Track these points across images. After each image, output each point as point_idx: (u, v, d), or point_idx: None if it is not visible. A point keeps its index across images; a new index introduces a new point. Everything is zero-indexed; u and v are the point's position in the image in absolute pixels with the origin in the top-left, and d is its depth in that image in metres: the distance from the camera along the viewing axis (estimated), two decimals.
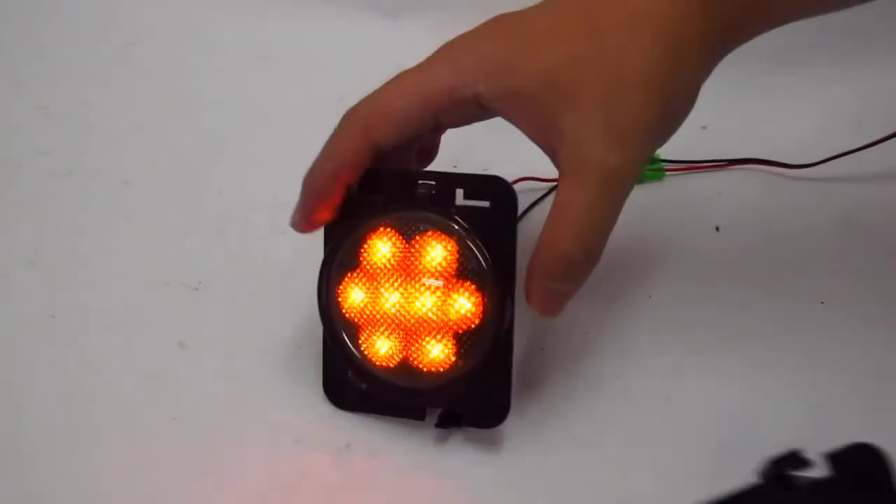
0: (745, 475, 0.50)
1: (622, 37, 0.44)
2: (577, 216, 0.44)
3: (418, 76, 0.47)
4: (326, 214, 0.50)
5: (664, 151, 0.71)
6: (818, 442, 0.51)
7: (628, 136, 0.44)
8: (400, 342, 0.49)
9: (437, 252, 0.48)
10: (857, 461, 0.40)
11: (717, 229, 0.66)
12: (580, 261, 0.45)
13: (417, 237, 0.48)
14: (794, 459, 0.39)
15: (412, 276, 0.48)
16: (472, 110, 0.47)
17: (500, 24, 0.48)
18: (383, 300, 0.49)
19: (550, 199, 0.67)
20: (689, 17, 0.45)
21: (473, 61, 0.46)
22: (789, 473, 0.40)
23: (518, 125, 0.47)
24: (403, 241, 0.48)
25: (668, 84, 0.45)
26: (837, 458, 0.40)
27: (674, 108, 0.46)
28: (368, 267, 0.49)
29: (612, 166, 0.44)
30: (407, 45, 0.83)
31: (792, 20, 0.50)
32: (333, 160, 0.49)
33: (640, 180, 0.70)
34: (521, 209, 0.49)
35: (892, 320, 0.59)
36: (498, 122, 0.76)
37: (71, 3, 0.86)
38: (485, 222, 0.48)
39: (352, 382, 0.51)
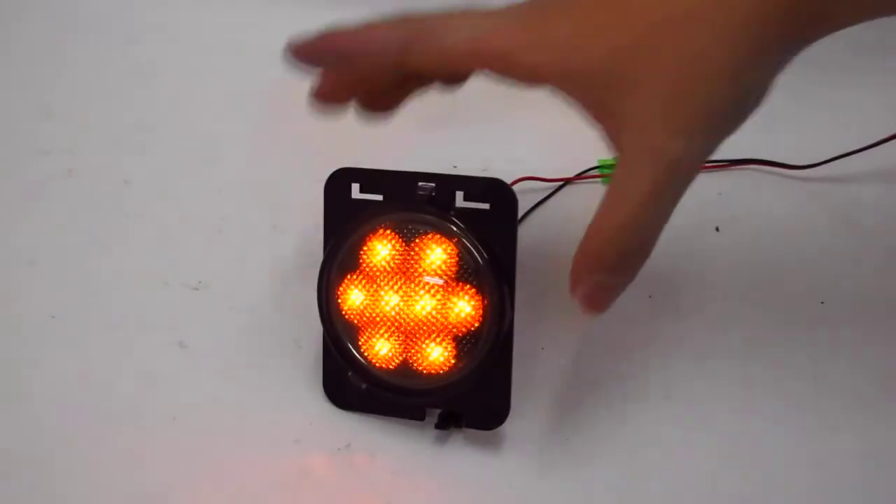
0: (745, 474, 0.50)
1: (695, 26, 0.42)
2: (634, 203, 0.42)
3: (484, 25, 0.44)
4: (308, 60, 0.47)
5: None
6: (818, 438, 0.52)
7: (694, 128, 0.42)
8: (400, 344, 0.49)
9: (437, 254, 0.48)
10: None
11: (717, 229, 0.66)
12: (633, 249, 0.43)
13: (417, 239, 0.48)
14: None
15: (412, 278, 0.48)
16: (522, 79, 0.44)
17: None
18: (383, 302, 0.49)
19: (551, 201, 0.68)
20: (769, 6, 0.42)
21: (538, 33, 0.43)
22: None
23: (573, 102, 0.44)
24: (403, 244, 0.48)
25: (741, 78, 0.42)
26: None
27: (744, 102, 0.43)
28: (368, 269, 0.49)
29: (675, 156, 0.42)
30: None
31: (880, 15, 0.45)
32: (359, 40, 0.46)
33: None
34: (521, 210, 0.49)
35: (892, 320, 0.59)
36: (498, 122, 0.76)
37: (71, 3, 0.86)
38: (485, 224, 0.48)
39: (352, 382, 0.51)
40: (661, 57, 0.42)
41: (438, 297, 0.48)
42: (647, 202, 0.42)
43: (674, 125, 0.42)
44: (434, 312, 0.48)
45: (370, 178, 0.50)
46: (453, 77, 0.49)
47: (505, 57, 0.44)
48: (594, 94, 0.43)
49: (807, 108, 0.76)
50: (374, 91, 0.50)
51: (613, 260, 0.43)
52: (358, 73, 0.49)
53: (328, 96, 0.49)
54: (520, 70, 0.44)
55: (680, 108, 0.42)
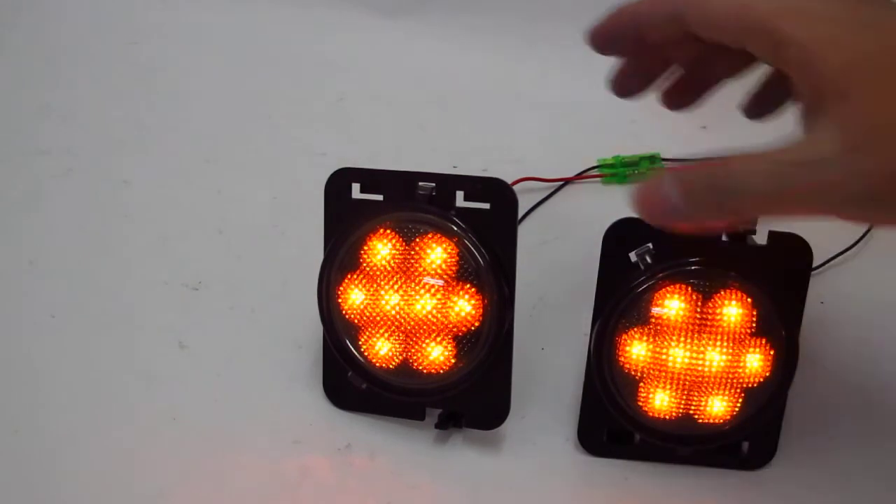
0: (745, 473, 0.50)
1: None
2: (802, 162, 0.37)
3: None
4: (605, 40, 0.45)
5: (665, 151, 0.71)
6: (818, 436, 0.52)
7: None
8: (400, 343, 0.49)
9: (437, 254, 0.48)
10: None
11: None
12: (742, 200, 0.39)
13: (417, 239, 0.48)
14: None
15: (412, 277, 0.48)
16: (762, 52, 0.40)
17: None
18: (383, 302, 0.49)
19: (551, 201, 0.68)
20: None
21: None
22: None
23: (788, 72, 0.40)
24: (403, 243, 0.48)
25: None
26: None
27: None
28: (368, 268, 0.49)
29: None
30: (406, 45, 0.84)
31: None
32: (640, 10, 0.43)
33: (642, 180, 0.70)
34: (521, 210, 0.49)
35: (892, 320, 0.59)
36: (497, 122, 0.76)
37: (72, 3, 0.86)
38: (485, 224, 0.48)
39: (352, 382, 0.51)
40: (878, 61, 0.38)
41: (438, 296, 0.48)
42: (814, 171, 0.37)
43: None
44: (434, 312, 0.48)
45: (370, 178, 0.50)
46: (729, 56, 0.45)
47: (767, 24, 0.39)
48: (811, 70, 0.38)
49: None
50: (671, 72, 0.47)
51: (715, 194, 0.39)
52: (649, 53, 0.46)
53: (623, 82, 0.47)
54: (757, 39, 0.40)
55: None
